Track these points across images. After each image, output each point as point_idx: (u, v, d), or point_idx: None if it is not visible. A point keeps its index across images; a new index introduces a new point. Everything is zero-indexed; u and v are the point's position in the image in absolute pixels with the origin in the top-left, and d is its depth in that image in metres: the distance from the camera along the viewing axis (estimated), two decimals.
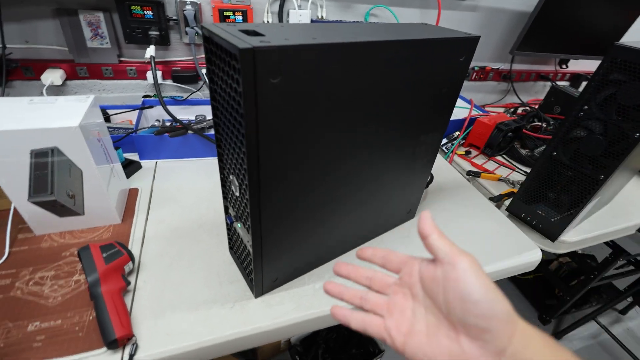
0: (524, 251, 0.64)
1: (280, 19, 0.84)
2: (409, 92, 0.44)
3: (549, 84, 1.34)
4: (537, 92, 1.37)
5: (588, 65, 1.38)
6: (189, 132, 0.72)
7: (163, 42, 0.76)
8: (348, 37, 0.35)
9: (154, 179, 0.70)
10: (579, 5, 1.01)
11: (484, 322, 0.21)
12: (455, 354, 0.22)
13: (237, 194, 0.41)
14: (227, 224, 0.51)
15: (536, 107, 1.13)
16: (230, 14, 0.75)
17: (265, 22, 0.83)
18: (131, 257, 0.49)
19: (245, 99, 0.30)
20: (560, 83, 1.35)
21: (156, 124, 0.83)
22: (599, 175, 0.59)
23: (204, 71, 0.84)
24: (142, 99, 0.82)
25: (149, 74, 0.79)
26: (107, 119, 0.78)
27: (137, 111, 0.77)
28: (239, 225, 0.46)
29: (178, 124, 0.73)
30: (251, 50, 0.27)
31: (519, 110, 1.15)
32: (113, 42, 0.76)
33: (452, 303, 0.23)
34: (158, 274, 0.51)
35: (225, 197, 0.48)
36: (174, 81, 0.83)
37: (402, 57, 0.40)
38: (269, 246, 0.44)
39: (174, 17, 0.75)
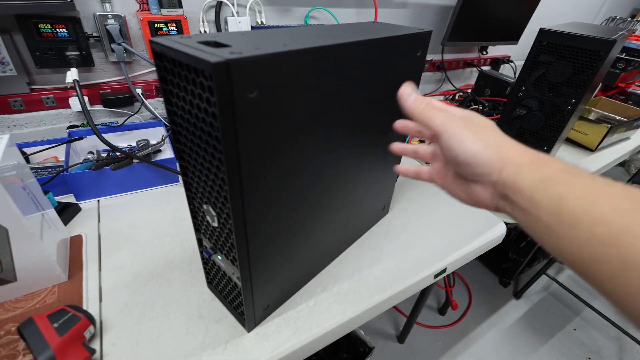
0: (490, 227, 0.69)
1: (218, 28, 0.79)
2: (376, 91, 0.44)
3: (475, 69, 1.47)
4: (466, 78, 1.50)
5: (503, 50, 1.55)
6: (134, 161, 0.64)
7: (85, 63, 0.66)
8: (316, 40, 0.33)
9: (99, 221, 0.61)
10: None
11: (475, 170, 0.27)
12: (468, 192, 0.30)
13: (215, 224, 0.37)
14: (203, 258, 0.46)
15: (469, 92, 1.23)
16: (162, 25, 0.68)
17: (202, 32, 0.78)
18: (91, 320, 0.41)
19: (222, 120, 0.26)
20: (484, 68, 1.49)
21: (90, 157, 0.72)
22: (542, 147, 0.66)
23: (139, 91, 0.75)
24: (68, 130, 0.71)
25: (73, 101, 0.69)
26: (26, 159, 0.65)
27: (64, 145, 0.66)
28: (219, 257, 0.41)
29: (118, 153, 0.64)
30: (225, 64, 0.24)
31: (457, 97, 1.24)
32: (19, 68, 0.64)
33: (453, 165, 0.29)
34: (128, 331, 0.44)
35: (197, 230, 0.42)
36: (105, 106, 0.73)
37: (370, 56, 0.39)
38: (258, 274, 0.40)
39: (95, 34, 0.66)
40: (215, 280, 0.47)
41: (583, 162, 0.99)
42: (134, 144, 0.77)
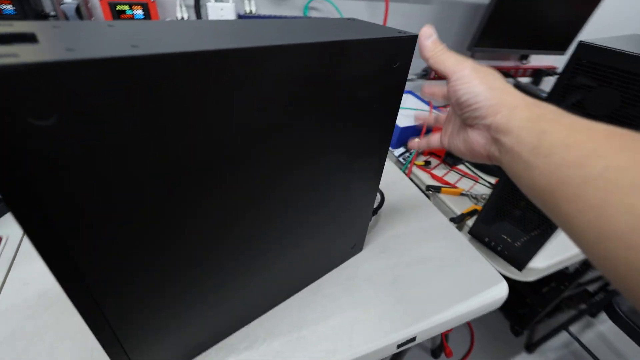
0: (489, 286, 0.55)
1: (198, 15, 0.70)
2: (323, 115, 0.32)
3: (510, 80, 1.28)
4: None
5: (549, 60, 1.34)
6: None
7: None
8: (219, 41, 0.22)
9: None
10: None
11: (474, 112, 0.29)
12: (465, 140, 0.32)
13: None
14: None
15: None
16: (125, 8, 0.59)
17: (180, 18, 0.69)
18: None
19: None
20: (522, 79, 1.29)
21: None
22: None
23: None
24: None
25: None
26: None
27: None
28: None
29: None
30: None
31: None
32: None
33: (457, 109, 0.31)
34: None
35: None
36: None
37: (306, 69, 0.27)
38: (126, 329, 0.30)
39: (52, 13, 0.59)
40: None
41: None
42: None
